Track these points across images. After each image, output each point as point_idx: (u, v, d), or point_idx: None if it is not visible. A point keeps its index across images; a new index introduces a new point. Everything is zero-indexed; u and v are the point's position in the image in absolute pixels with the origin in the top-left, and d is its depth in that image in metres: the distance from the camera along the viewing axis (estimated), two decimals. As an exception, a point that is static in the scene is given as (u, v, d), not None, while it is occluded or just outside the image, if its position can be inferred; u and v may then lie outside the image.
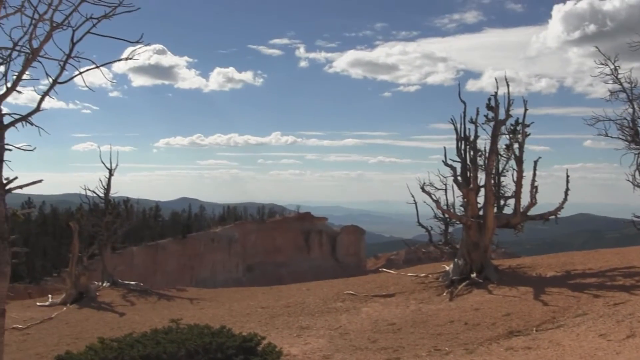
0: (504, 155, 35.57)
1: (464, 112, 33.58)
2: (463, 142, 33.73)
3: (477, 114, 33.69)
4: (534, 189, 33.72)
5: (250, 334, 15.02)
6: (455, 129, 33.60)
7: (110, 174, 48.47)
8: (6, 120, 11.40)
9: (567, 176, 34.30)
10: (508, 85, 33.68)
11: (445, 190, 35.53)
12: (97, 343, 14.44)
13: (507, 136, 34.84)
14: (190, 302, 39.23)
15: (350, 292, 33.25)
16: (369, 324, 25.90)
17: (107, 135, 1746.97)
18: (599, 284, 27.08)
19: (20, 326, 32.02)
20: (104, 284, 45.81)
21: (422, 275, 35.26)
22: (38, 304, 42.18)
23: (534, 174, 33.74)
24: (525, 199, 33.93)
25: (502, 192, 35.74)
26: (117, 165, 48.71)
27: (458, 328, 23.25)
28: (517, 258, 47.64)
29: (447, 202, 35.50)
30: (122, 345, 14.06)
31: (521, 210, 34.08)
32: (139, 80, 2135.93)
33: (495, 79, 34.21)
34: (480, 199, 33.66)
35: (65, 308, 38.77)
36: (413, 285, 33.21)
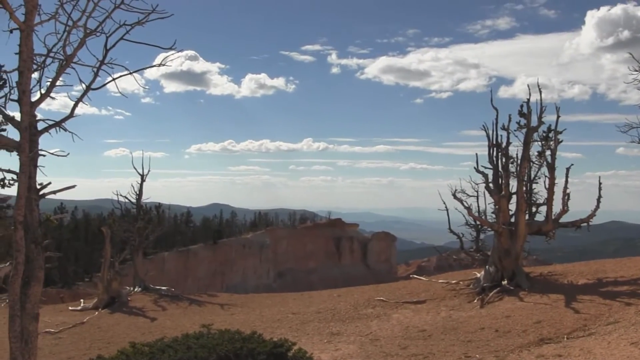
0: (536, 162, 35.34)
1: (496, 119, 33.45)
2: (495, 148, 33.60)
3: (510, 120, 33.55)
4: (565, 196, 33.47)
5: (281, 339, 15.02)
6: (488, 136, 33.48)
7: (142, 180, 48.75)
8: (40, 126, 11.49)
9: (600, 183, 34.00)
10: (540, 92, 33.53)
11: (477, 197, 35.40)
12: (129, 347, 14.50)
13: (540, 143, 34.61)
14: (221, 308, 39.36)
15: (381, 298, 33.23)
16: (399, 331, 25.86)
17: (139, 141, 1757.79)
18: (630, 292, 26.85)
19: (52, 330, 32.26)
20: (136, 289, 46.07)
21: (454, 282, 35.16)
22: (70, 308, 42.49)
23: (566, 181, 33.51)
24: (557, 206, 33.70)
25: (534, 199, 35.51)
26: (149, 170, 49.01)
27: (489, 335, 23.15)
28: (548, 265, 47.33)
29: (479, 209, 35.38)
30: (153, 350, 14.11)
31: (553, 217, 33.86)
32: (171, 87, 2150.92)
33: (528, 86, 34.11)
34: (512, 206, 33.51)
35: (97, 313, 39.05)
36: (444, 292, 33.13)
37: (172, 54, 12.40)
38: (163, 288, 46.10)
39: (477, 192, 35.10)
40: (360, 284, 57.15)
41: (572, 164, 33.99)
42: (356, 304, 33.03)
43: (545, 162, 34.29)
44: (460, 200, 33.85)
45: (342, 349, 23.47)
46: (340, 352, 22.86)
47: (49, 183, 11.56)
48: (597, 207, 34.14)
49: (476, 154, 33.88)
